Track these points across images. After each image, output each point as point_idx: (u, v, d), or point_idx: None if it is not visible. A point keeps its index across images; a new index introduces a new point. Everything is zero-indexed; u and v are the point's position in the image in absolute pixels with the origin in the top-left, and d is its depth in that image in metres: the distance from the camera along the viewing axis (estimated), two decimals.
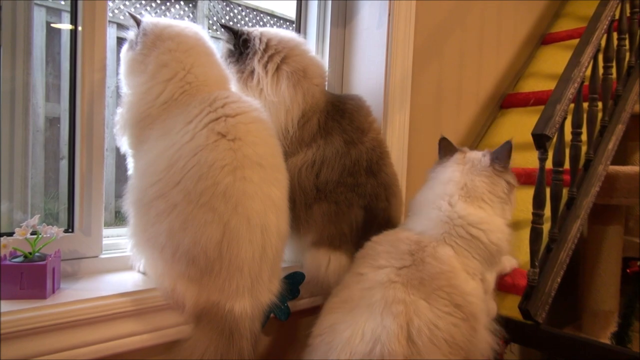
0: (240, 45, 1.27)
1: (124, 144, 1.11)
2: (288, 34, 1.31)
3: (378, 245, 1.11)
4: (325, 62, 1.59)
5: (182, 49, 1.08)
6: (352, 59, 1.59)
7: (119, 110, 1.12)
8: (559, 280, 1.34)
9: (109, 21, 2.38)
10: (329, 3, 1.58)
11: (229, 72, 1.24)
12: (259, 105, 1.11)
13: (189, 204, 0.95)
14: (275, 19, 3.64)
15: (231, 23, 3.40)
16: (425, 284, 0.99)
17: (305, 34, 1.62)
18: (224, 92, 1.09)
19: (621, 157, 2.53)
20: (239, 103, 1.07)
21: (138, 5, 2.74)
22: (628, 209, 2.45)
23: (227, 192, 0.96)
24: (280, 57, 1.25)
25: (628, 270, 1.77)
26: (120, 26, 2.40)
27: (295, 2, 1.63)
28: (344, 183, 1.23)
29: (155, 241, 0.98)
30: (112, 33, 2.30)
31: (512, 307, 1.31)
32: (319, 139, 1.26)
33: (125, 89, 1.12)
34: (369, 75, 1.54)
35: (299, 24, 1.61)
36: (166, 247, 0.96)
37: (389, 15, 1.48)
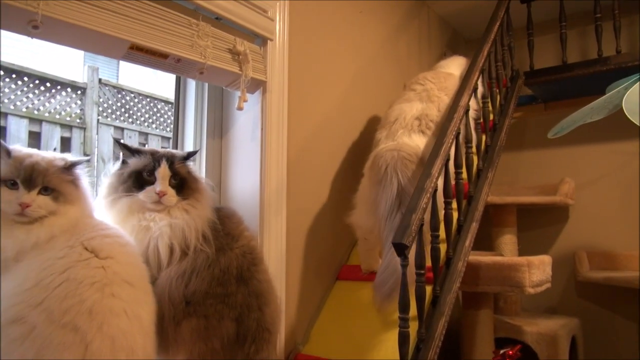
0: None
1: None
2: None
3: None
4: (202, 172, 1.63)
5: None
6: (229, 170, 1.65)
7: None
8: None
9: (22, 116, 2.29)
10: (205, 114, 1.65)
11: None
12: (124, 233, 1.17)
13: (49, 325, 0.90)
14: (170, 105, 3.66)
15: (123, 109, 3.36)
16: None
17: (182, 144, 1.66)
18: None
19: (487, 243, 2.80)
20: (113, 229, 1.14)
21: (26, 88, 2.63)
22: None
23: (94, 309, 0.94)
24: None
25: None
26: (33, 120, 2.31)
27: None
28: (213, 294, 1.23)
29: None
30: (24, 124, 2.23)
31: None
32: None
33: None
34: (244, 185, 1.60)
35: (176, 134, 1.65)
36: None
37: (262, 129, 1.58)
